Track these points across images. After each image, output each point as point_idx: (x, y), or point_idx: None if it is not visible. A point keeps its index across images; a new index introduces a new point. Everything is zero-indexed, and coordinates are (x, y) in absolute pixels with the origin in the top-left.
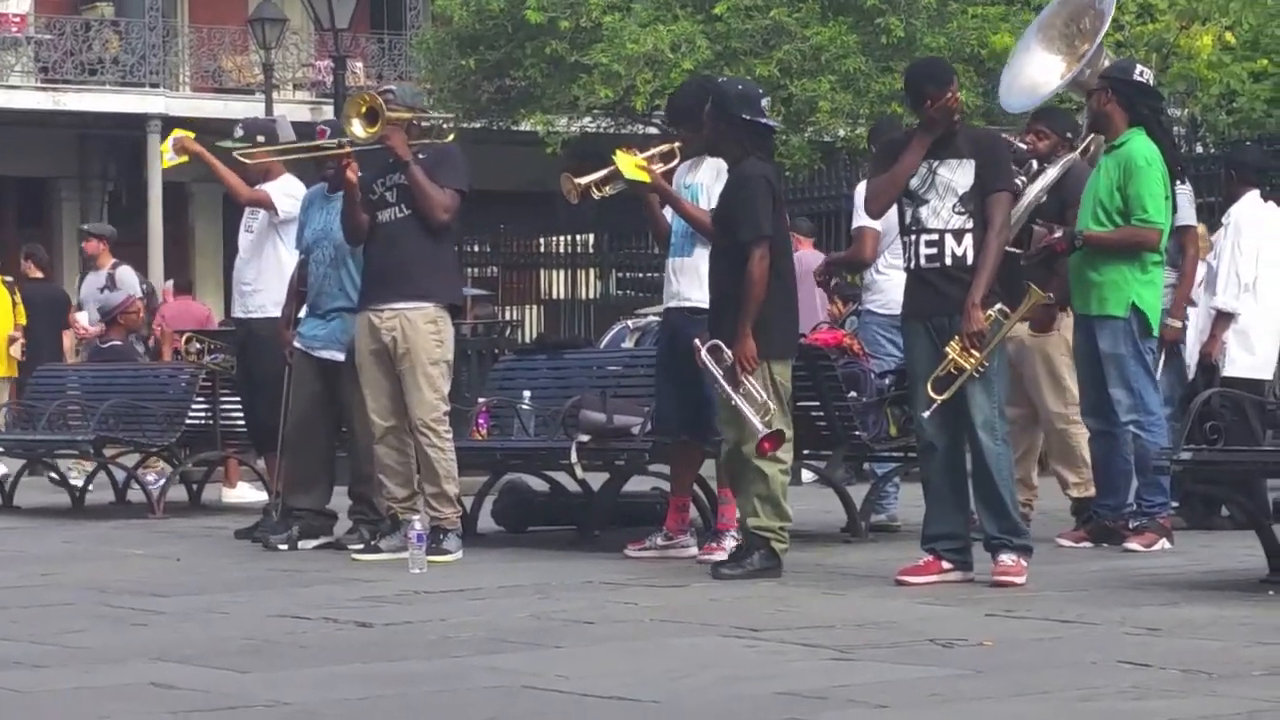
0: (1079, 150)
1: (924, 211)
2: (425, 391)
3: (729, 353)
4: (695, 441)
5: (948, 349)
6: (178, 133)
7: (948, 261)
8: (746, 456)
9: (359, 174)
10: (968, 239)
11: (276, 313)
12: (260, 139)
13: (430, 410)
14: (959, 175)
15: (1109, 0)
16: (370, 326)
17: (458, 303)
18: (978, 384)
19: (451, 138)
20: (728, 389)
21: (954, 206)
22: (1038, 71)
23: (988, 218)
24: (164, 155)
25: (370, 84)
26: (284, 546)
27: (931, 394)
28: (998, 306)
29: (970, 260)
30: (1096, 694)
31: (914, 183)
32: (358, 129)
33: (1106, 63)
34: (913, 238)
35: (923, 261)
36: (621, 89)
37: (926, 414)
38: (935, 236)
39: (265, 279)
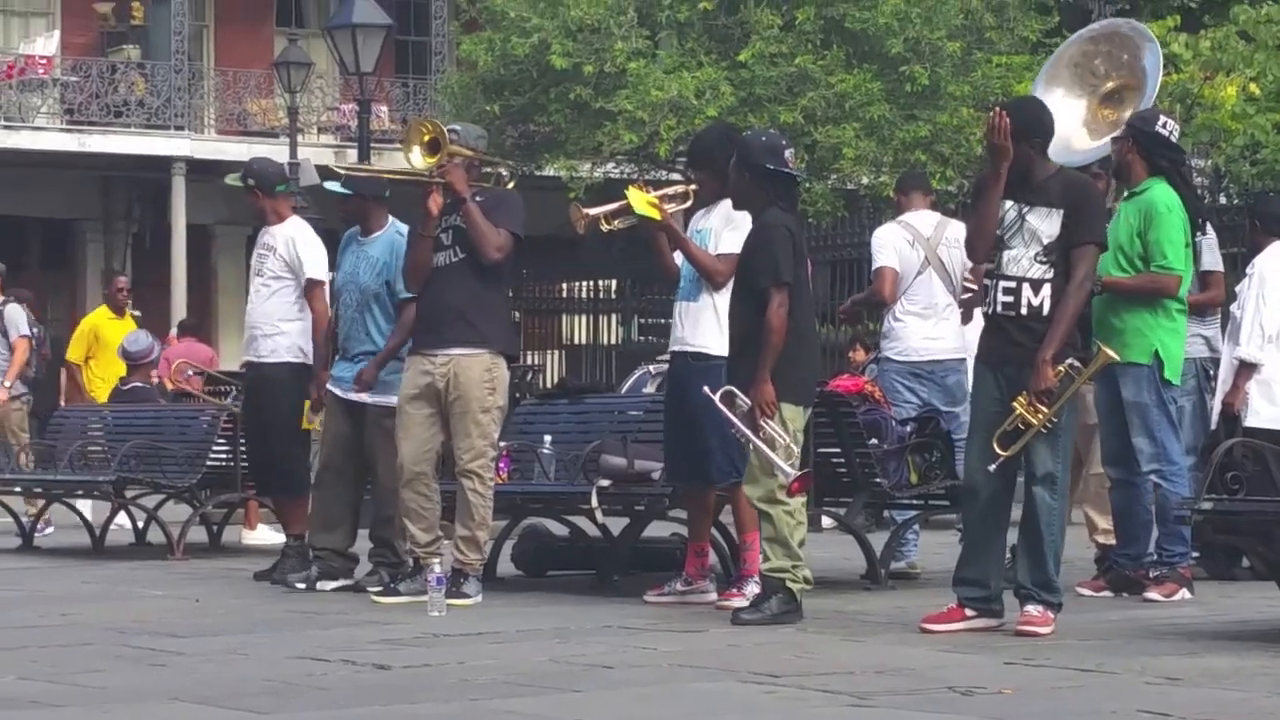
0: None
1: (1006, 256)
2: (474, 438)
3: (744, 398)
4: (701, 487)
5: (1015, 404)
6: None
7: (1023, 311)
8: (750, 500)
9: (440, 205)
10: (1046, 289)
11: (289, 357)
12: (250, 181)
13: (477, 456)
14: (1046, 224)
15: (1148, 50)
16: (420, 370)
17: (513, 351)
18: (1043, 439)
19: (512, 185)
20: (747, 433)
21: (1036, 255)
22: (1060, 122)
23: (1070, 270)
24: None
25: (395, 129)
26: (302, 586)
27: (997, 449)
28: (1069, 361)
29: (1046, 311)
30: None
31: (1003, 227)
32: (417, 157)
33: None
34: (994, 282)
35: (999, 308)
36: (646, 135)
37: (992, 468)
38: (1013, 284)
39: (276, 323)
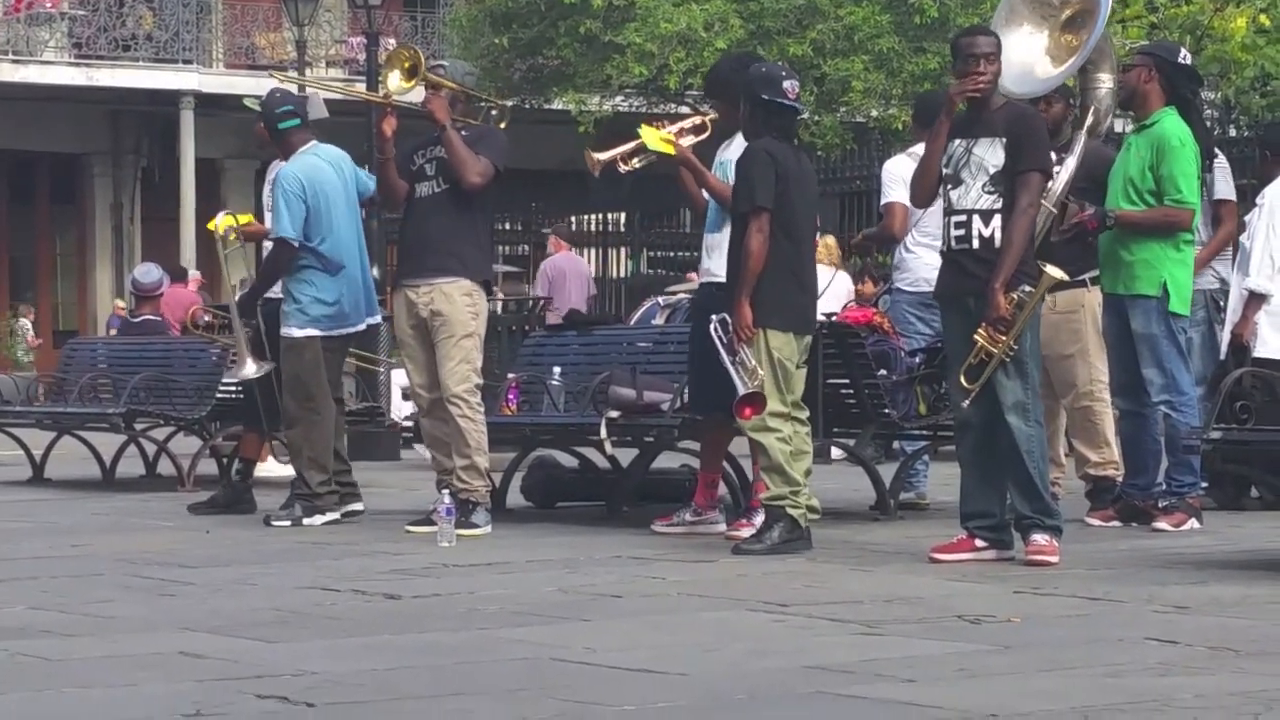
0: (1085, 129)
1: (957, 192)
2: (457, 361)
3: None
4: (726, 418)
5: (976, 336)
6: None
7: (974, 244)
8: (743, 429)
9: (394, 129)
10: (996, 220)
11: None
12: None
13: (462, 381)
14: (990, 154)
15: None
16: (407, 302)
17: (490, 279)
18: (1008, 368)
19: (503, 125)
20: (725, 356)
21: (984, 186)
22: (1022, 53)
23: (1014, 199)
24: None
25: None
26: (286, 524)
27: (964, 383)
28: (1022, 288)
29: (999, 242)
30: (1123, 670)
31: (952, 163)
32: (395, 80)
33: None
34: (947, 219)
35: (953, 243)
36: (654, 68)
37: (966, 403)
38: (963, 218)
39: None
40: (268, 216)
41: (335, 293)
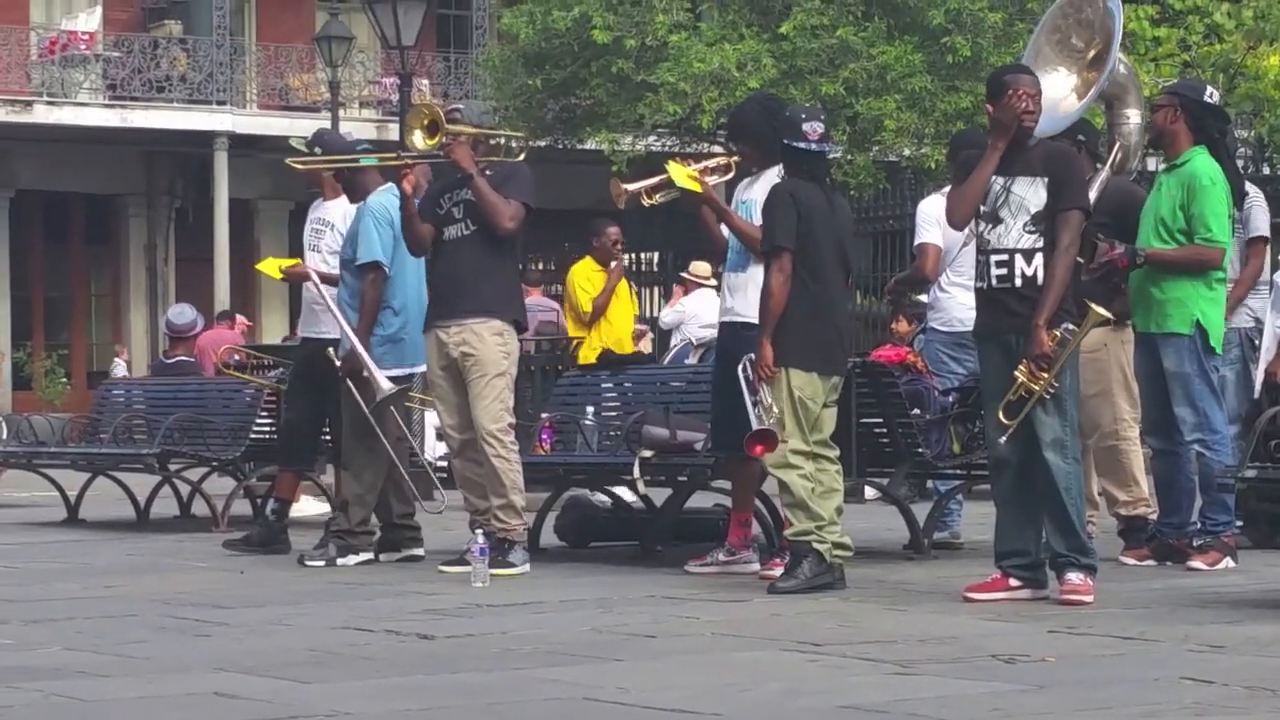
0: (1110, 165)
1: (997, 231)
2: (491, 401)
3: None
4: (745, 457)
5: (1017, 372)
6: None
7: (1017, 282)
8: (765, 466)
9: (415, 185)
10: (1038, 259)
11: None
12: (317, 150)
13: (495, 420)
14: (1031, 193)
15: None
16: (438, 343)
17: (521, 319)
18: (1048, 405)
19: (522, 157)
20: (746, 395)
21: (1025, 225)
22: (1049, 89)
23: (1056, 237)
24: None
25: (436, 101)
26: (320, 564)
27: (1003, 419)
28: (1065, 325)
29: (1041, 280)
30: (1159, 710)
31: (989, 201)
32: (419, 140)
33: (1122, 69)
34: (985, 257)
35: (994, 281)
36: (688, 107)
37: (1003, 439)
38: (1005, 256)
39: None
40: (309, 256)
41: (394, 329)
